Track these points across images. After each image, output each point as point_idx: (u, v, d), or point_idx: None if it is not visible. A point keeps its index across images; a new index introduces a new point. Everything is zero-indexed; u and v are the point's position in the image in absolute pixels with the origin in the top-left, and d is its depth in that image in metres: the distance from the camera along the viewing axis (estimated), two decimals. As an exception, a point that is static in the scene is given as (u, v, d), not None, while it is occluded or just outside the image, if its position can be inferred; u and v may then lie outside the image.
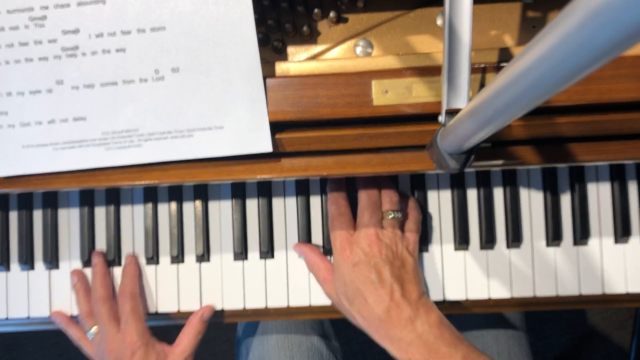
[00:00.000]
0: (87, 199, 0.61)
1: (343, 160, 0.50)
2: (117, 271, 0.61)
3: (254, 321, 0.70)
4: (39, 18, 0.44)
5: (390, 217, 0.54)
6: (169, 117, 0.48)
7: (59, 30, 0.45)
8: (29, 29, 0.44)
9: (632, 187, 0.59)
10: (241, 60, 0.46)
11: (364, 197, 0.54)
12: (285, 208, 0.60)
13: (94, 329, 0.57)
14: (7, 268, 0.61)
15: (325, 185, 0.60)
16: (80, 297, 0.59)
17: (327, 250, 0.59)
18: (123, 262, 0.60)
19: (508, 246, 0.59)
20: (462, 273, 0.59)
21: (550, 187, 0.59)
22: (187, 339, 0.57)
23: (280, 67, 0.49)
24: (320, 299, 0.59)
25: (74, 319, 0.61)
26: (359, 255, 0.51)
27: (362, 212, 0.54)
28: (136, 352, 0.54)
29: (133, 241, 0.61)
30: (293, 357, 0.68)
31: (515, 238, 0.59)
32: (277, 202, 0.60)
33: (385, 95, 0.48)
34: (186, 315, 0.60)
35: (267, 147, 0.48)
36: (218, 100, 0.47)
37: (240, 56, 0.46)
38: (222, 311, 0.60)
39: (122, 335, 0.55)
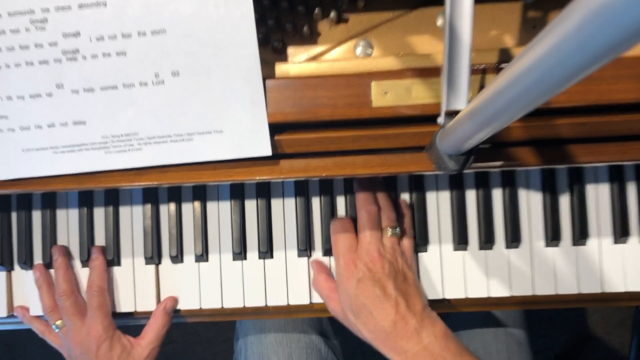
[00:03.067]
0: (86, 200, 0.61)
1: (342, 162, 0.50)
2: (118, 271, 0.61)
3: (252, 320, 0.70)
4: (39, 21, 0.44)
5: (389, 234, 0.55)
6: (169, 121, 0.48)
7: (59, 33, 0.45)
8: (30, 32, 0.44)
9: (630, 187, 0.59)
10: (241, 63, 0.46)
11: (364, 214, 0.55)
12: (284, 209, 0.60)
13: (59, 322, 0.58)
14: (11, 268, 0.62)
15: (324, 186, 0.60)
16: (44, 292, 0.59)
17: (326, 250, 0.59)
18: (91, 255, 0.60)
19: (507, 246, 0.59)
20: (461, 273, 0.59)
21: (549, 188, 0.59)
22: (152, 330, 0.58)
23: (280, 68, 0.49)
24: (320, 298, 0.59)
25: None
26: (363, 271, 0.52)
27: (363, 230, 0.55)
28: (101, 345, 0.55)
29: (132, 241, 0.61)
30: (291, 355, 0.68)
31: (514, 238, 0.59)
32: (276, 203, 0.60)
33: (384, 96, 0.48)
34: (185, 313, 0.61)
35: (266, 151, 0.48)
36: (218, 103, 0.47)
37: (240, 59, 0.46)
38: (222, 309, 0.60)
39: (88, 329, 0.56)
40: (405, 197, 0.60)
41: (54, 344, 0.60)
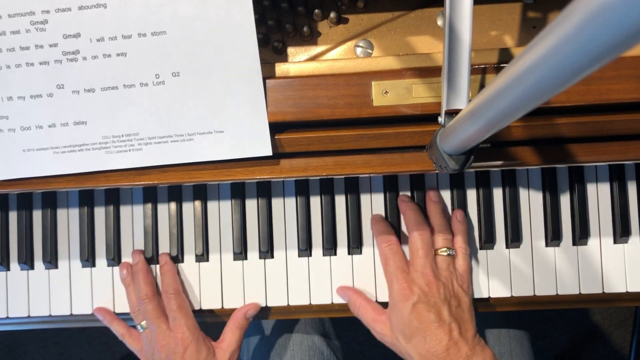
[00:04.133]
0: (86, 199, 0.61)
1: (342, 161, 0.50)
2: (117, 270, 0.61)
3: (254, 320, 0.71)
4: (40, 22, 0.44)
5: (444, 254, 0.55)
6: (169, 121, 0.48)
7: (60, 35, 0.45)
8: (30, 33, 0.44)
9: (631, 187, 0.59)
10: (241, 65, 0.46)
11: (417, 236, 0.55)
12: (285, 208, 0.60)
13: (144, 322, 0.57)
14: (7, 268, 0.62)
15: (324, 187, 0.60)
16: (130, 291, 0.59)
17: (327, 250, 0.59)
18: (159, 261, 0.60)
19: (507, 246, 0.59)
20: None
21: (550, 187, 0.59)
22: (232, 333, 0.58)
23: (280, 68, 0.49)
24: (320, 299, 0.59)
25: (74, 317, 0.61)
26: (418, 295, 0.52)
27: (416, 252, 0.54)
28: (188, 347, 0.54)
29: (133, 241, 0.61)
30: (294, 356, 0.68)
31: (514, 238, 0.59)
32: (276, 203, 0.60)
33: (385, 96, 0.48)
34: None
35: (266, 151, 0.48)
36: (218, 104, 0.47)
37: (240, 60, 0.46)
38: (223, 309, 0.60)
39: (174, 332, 0.55)
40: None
41: (132, 347, 0.59)
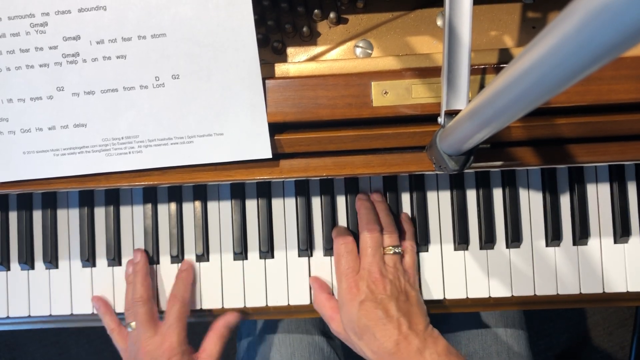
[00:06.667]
0: (86, 200, 0.61)
1: (342, 162, 0.50)
2: (118, 271, 0.61)
3: (254, 319, 0.71)
4: (40, 24, 0.44)
5: (391, 252, 0.55)
6: (169, 124, 0.48)
7: (59, 37, 0.45)
8: (30, 36, 0.44)
9: (631, 187, 0.59)
10: (241, 67, 0.46)
11: (366, 235, 0.55)
12: (285, 208, 0.60)
13: (134, 323, 0.57)
14: (7, 268, 0.62)
15: (325, 187, 0.60)
16: (131, 289, 0.59)
17: (327, 250, 0.59)
18: (181, 265, 0.60)
19: (507, 246, 0.59)
20: (462, 273, 0.59)
21: (550, 188, 0.59)
22: (212, 344, 0.57)
23: (280, 68, 0.49)
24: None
25: (74, 317, 0.61)
26: (365, 293, 0.52)
27: (365, 251, 0.55)
28: (172, 358, 0.54)
29: (133, 241, 0.61)
30: (294, 354, 0.68)
31: (514, 238, 0.59)
32: (276, 203, 0.60)
33: (384, 96, 0.48)
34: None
35: (266, 153, 0.48)
36: (218, 106, 0.47)
37: (240, 62, 0.46)
38: (223, 309, 0.60)
39: (161, 339, 0.55)
40: (405, 197, 0.60)
41: (118, 345, 0.59)
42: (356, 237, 0.57)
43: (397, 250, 0.56)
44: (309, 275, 0.60)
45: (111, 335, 0.59)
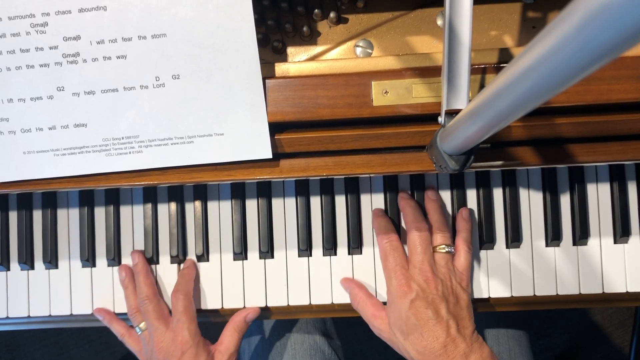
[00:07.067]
0: (86, 199, 0.61)
1: (342, 161, 0.50)
2: (117, 270, 0.61)
3: (255, 320, 0.71)
4: (40, 24, 0.44)
5: (443, 251, 0.55)
6: (169, 124, 0.48)
7: (60, 37, 0.45)
8: (30, 36, 0.44)
9: (631, 187, 0.59)
10: (241, 67, 0.46)
11: (415, 232, 0.55)
12: (285, 208, 0.60)
13: (143, 324, 0.57)
14: (7, 268, 0.62)
15: (324, 187, 0.60)
16: (129, 293, 0.59)
17: (327, 250, 0.59)
18: (185, 263, 0.60)
19: (507, 246, 0.59)
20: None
21: (550, 188, 0.59)
22: (230, 336, 0.57)
23: (280, 68, 0.49)
24: (321, 299, 0.59)
25: (73, 317, 0.61)
26: (416, 292, 0.52)
27: (414, 248, 0.54)
28: (186, 352, 0.54)
29: (133, 241, 0.61)
30: (295, 356, 0.68)
31: (514, 238, 0.59)
32: (276, 203, 0.60)
33: (385, 95, 0.48)
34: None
35: (266, 153, 0.48)
36: (218, 106, 0.47)
37: (240, 63, 0.46)
38: (223, 309, 0.60)
39: (173, 334, 0.55)
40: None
41: (132, 348, 0.59)
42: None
43: (448, 250, 0.55)
44: (309, 275, 0.60)
45: (123, 340, 0.59)
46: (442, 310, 0.51)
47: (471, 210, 0.59)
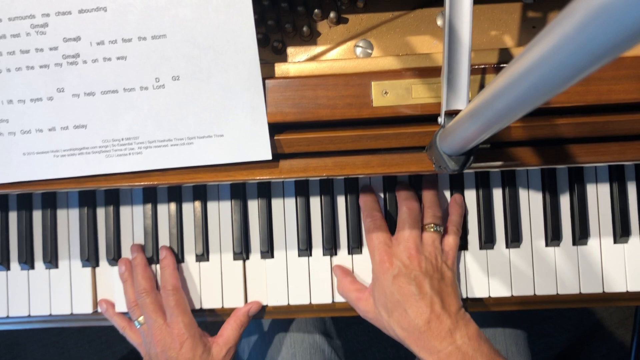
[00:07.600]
0: (86, 200, 0.61)
1: (342, 162, 0.50)
2: (117, 270, 0.61)
3: (255, 319, 0.71)
4: (40, 25, 0.44)
5: (431, 230, 0.55)
6: (169, 125, 0.48)
7: (60, 38, 0.45)
8: (30, 37, 0.44)
9: (631, 187, 0.59)
10: (241, 68, 0.46)
11: (405, 210, 0.55)
12: (285, 208, 0.60)
13: (141, 318, 0.57)
14: (7, 267, 0.62)
15: (324, 187, 0.60)
16: (128, 286, 0.59)
17: (327, 250, 0.59)
18: (160, 255, 0.60)
19: (507, 246, 0.59)
20: (462, 272, 0.59)
21: (550, 188, 0.59)
22: (231, 329, 0.57)
23: (280, 68, 0.49)
24: (321, 298, 0.59)
25: (74, 316, 0.61)
26: (399, 268, 0.52)
27: (402, 225, 0.54)
28: (184, 343, 0.54)
29: (133, 241, 0.61)
30: (295, 355, 0.68)
31: (514, 238, 0.59)
32: (276, 203, 0.60)
33: (384, 96, 0.48)
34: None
35: (266, 155, 0.48)
36: (218, 108, 0.47)
37: (240, 64, 0.46)
38: (223, 309, 0.60)
39: (170, 327, 0.55)
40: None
41: (132, 341, 0.60)
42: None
43: (437, 229, 0.55)
44: (309, 275, 0.60)
45: (124, 333, 0.60)
46: (425, 286, 0.51)
47: (466, 213, 0.59)
